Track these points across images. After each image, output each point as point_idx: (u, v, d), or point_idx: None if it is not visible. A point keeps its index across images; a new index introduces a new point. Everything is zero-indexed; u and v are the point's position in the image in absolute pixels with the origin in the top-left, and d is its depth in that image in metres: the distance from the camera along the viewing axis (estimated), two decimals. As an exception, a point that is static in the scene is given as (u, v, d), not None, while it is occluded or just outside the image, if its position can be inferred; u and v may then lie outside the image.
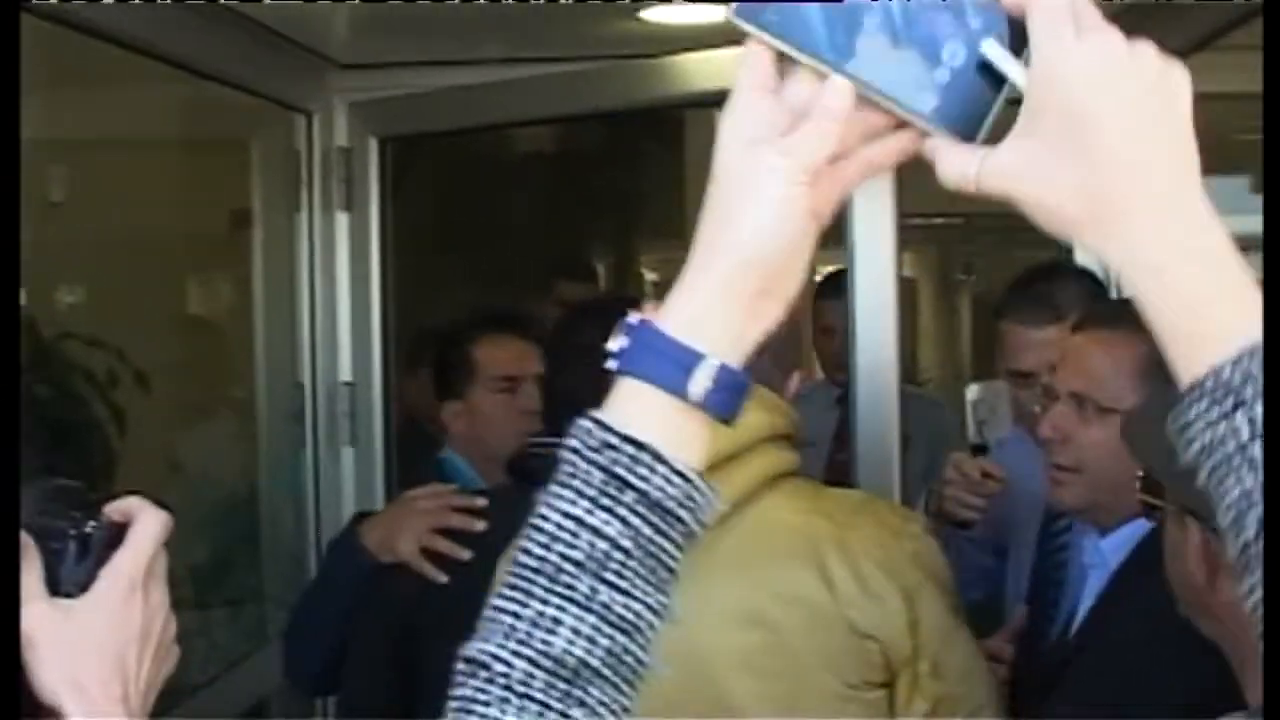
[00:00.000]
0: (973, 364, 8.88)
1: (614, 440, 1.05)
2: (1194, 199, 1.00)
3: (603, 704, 1.04)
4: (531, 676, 1.03)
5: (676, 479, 1.05)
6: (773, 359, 2.18)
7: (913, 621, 2.09)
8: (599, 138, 6.31)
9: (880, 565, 2.09)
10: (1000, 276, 7.88)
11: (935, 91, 1.03)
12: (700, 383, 1.05)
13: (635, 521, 1.05)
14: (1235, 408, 0.96)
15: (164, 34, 3.02)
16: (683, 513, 1.06)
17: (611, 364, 1.07)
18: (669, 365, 1.06)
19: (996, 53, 1.02)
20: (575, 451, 1.05)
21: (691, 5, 3.40)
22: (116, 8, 2.77)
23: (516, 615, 1.04)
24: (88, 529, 1.20)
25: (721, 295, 1.06)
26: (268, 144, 3.90)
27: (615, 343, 1.07)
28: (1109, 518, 2.30)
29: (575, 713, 1.03)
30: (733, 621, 2.06)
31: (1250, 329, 0.97)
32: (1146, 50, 1.00)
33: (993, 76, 1.03)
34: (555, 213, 6.28)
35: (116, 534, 1.21)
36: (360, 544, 2.82)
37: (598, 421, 1.06)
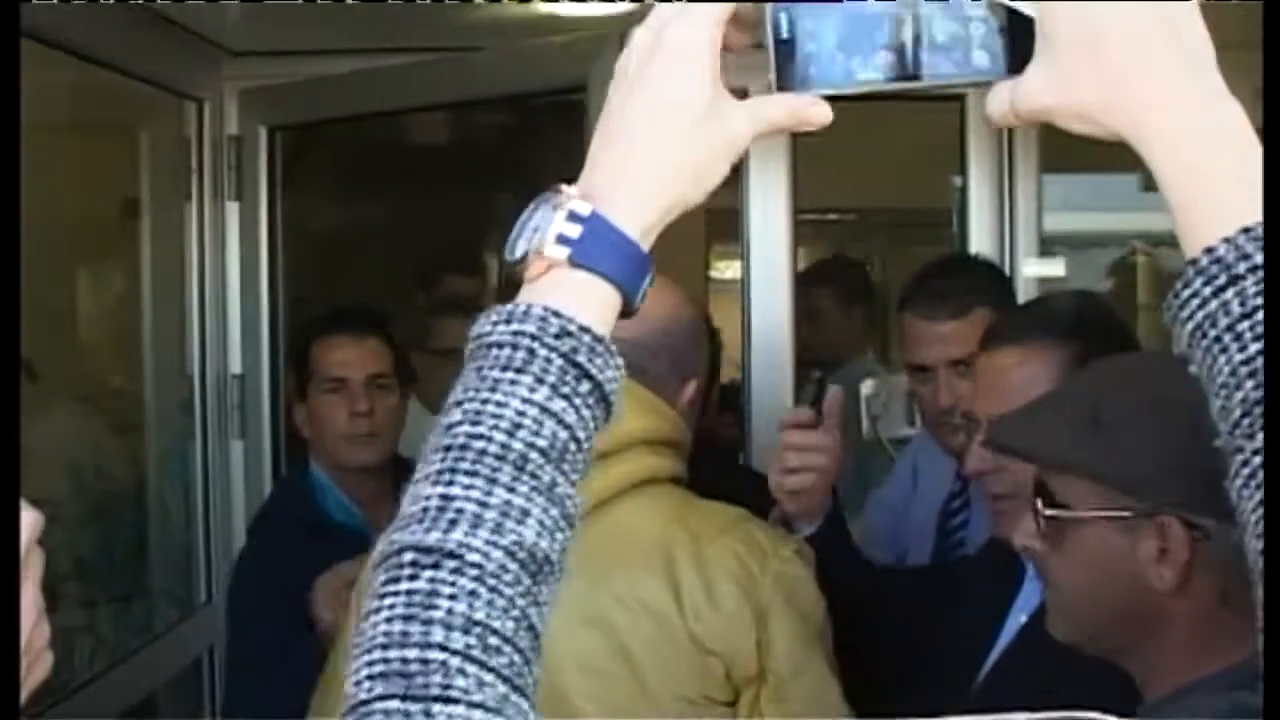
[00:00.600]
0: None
1: (573, 329, 1.02)
2: (1209, 88, 1.02)
3: (546, 604, 1.01)
4: (504, 569, 0.98)
5: (618, 374, 1.04)
6: (670, 363, 2.18)
7: (761, 642, 2.05)
8: (498, 125, 6.27)
9: (736, 582, 2.05)
10: (895, 272, 7.93)
11: (977, 50, 1.08)
12: (645, 282, 1.06)
13: (586, 414, 1.02)
14: (1228, 284, 0.98)
15: (53, 19, 2.98)
16: (614, 413, 1.05)
17: (558, 250, 1.04)
18: (622, 260, 1.05)
19: None
20: (533, 338, 1.02)
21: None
22: (3, -9, 2.72)
23: (483, 504, 0.99)
24: None
25: (640, 182, 1.06)
26: (158, 132, 3.85)
27: (561, 228, 1.04)
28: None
29: (532, 611, 0.99)
30: (575, 621, 2.00)
31: (1255, 213, 0.98)
32: None
33: (1009, 13, 1.07)
34: (451, 204, 6.24)
35: None
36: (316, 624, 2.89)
37: (554, 311, 1.03)
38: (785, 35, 1.08)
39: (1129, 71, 1.02)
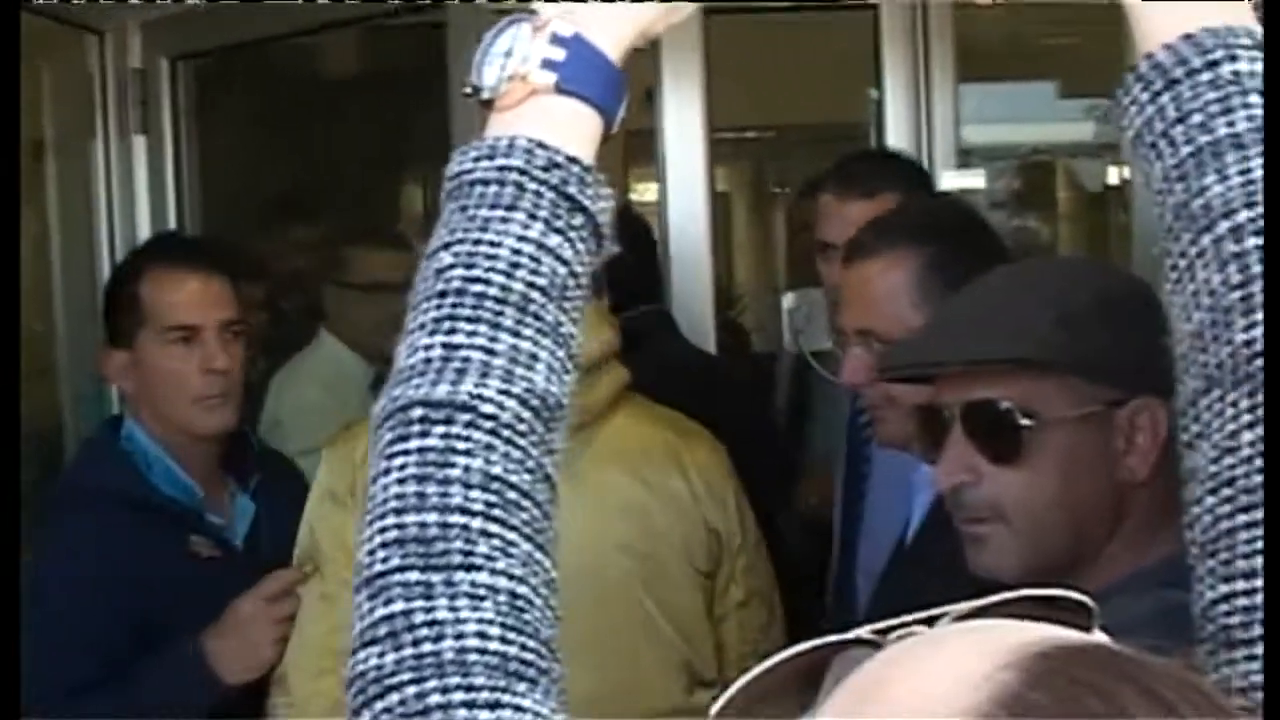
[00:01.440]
0: (787, 277, 8.97)
1: (560, 160, 0.97)
2: None
3: (558, 451, 0.97)
4: (519, 419, 0.93)
5: (609, 204, 1.00)
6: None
7: (741, 521, 2.47)
8: (407, 55, 6.18)
9: (715, 470, 2.45)
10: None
11: None
12: (622, 106, 1.01)
13: (581, 247, 0.98)
14: (1164, 89, 0.98)
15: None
16: (606, 244, 1.00)
17: (544, 76, 0.99)
18: (607, 85, 1.00)
19: None
20: (522, 172, 0.97)
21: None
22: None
23: (489, 351, 0.94)
24: None
25: (618, 4, 1.02)
26: (59, 67, 3.79)
27: (544, 51, 0.99)
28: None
29: (546, 461, 0.95)
30: (614, 509, 2.33)
31: (1199, 23, 0.98)
32: None
33: None
34: (363, 131, 6.17)
35: None
36: (212, 673, 2.46)
37: (539, 143, 0.98)
38: None
39: None
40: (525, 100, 0.99)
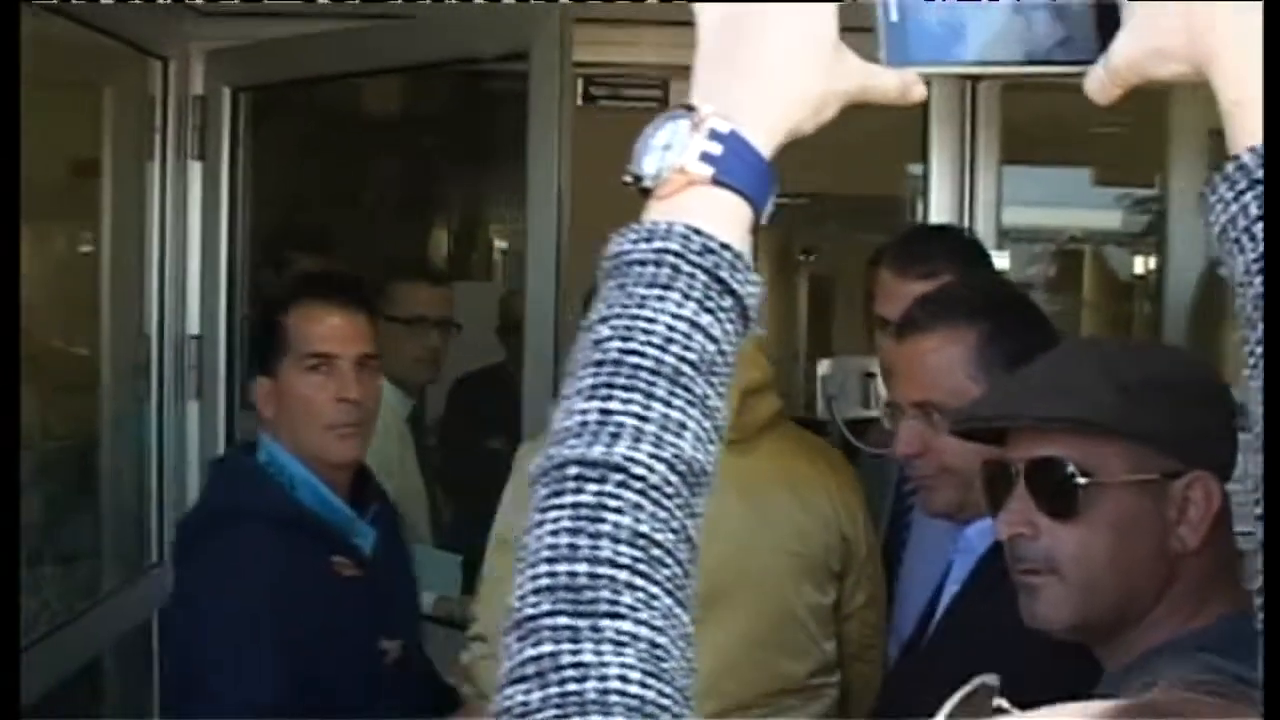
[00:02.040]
0: (809, 344, 9.02)
1: (714, 246, 1.04)
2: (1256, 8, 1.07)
3: (700, 515, 1.03)
4: (666, 482, 1.00)
5: (757, 289, 1.06)
6: None
7: (866, 533, 2.82)
8: (460, 91, 6.25)
9: (850, 489, 2.82)
10: (843, 261, 7.99)
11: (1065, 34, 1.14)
12: (771, 199, 1.08)
13: (729, 328, 1.05)
14: (1248, 188, 1.04)
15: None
16: (752, 326, 1.07)
17: (701, 168, 1.06)
18: (758, 180, 1.07)
19: None
20: (678, 255, 1.04)
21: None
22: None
23: (642, 418, 1.01)
24: None
25: (774, 106, 1.08)
26: (121, 89, 3.86)
27: (702, 146, 1.06)
28: (975, 510, 2.31)
29: (689, 523, 1.01)
30: (776, 519, 2.72)
31: None
32: None
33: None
34: (407, 171, 6.23)
35: None
36: None
37: (695, 229, 1.05)
38: (894, 18, 1.13)
39: (1195, 5, 1.07)
40: (683, 190, 1.06)
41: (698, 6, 1.12)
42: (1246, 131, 1.07)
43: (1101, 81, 1.11)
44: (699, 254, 1.04)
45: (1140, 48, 1.10)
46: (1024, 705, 0.91)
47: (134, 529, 3.88)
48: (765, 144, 1.08)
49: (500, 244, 7.63)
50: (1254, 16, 1.09)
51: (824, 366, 3.60)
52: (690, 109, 1.08)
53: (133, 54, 3.76)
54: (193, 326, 3.89)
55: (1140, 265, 6.61)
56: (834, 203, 7.83)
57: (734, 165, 1.06)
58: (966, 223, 3.95)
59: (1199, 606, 1.64)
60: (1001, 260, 4.04)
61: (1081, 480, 1.66)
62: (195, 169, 3.87)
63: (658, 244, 1.04)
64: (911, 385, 2.31)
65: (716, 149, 1.06)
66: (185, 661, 2.68)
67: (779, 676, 2.74)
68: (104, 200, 3.84)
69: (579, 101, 4.07)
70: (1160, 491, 1.66)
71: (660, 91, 4.20)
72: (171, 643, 3.09)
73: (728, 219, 1.06)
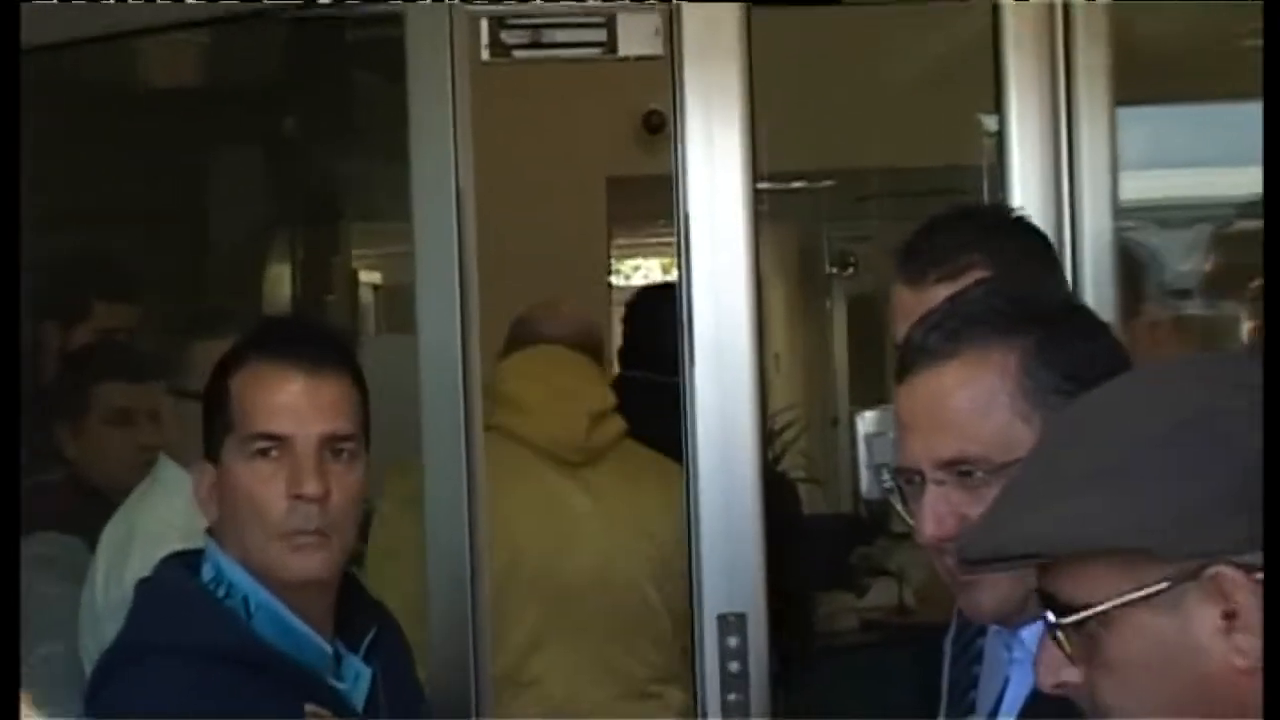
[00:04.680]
0: (851, 392, 8.96)
1: None
2: None
3: None
4: None
5: None
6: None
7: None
8: (277, 61, 6.22)
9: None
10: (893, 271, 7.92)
11: None
12: None
13: None
14: None
15: None
16: None
17: None
18: None
19: None
20: None
21: None
22: None
23: None
24: None
25: None
26: None
27: None
28: (1029, 609, 2.21)
29: None
30: (630, 521, 4.46)
31: None
32: None
33: None
34: (227, 172, 6.22)
35: None
36: None
37: None
38: None
39: None
40: None
41: None
42: None
43: None
44: None
45: None
46: None
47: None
48: None
49: (368, 277, 7.44)
50: None
51: (866, 422, 3.62)
52: None
53: None
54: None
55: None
56: (876, 181, 7.77)
57: None
58: (1067, 196, 3.95)
59: None
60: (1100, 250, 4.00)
61: (1067, 620, 1.76)
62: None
63: None
64: (933, 438, 2.25)
65: None
66: None
67: (633, 677, 4.34)
68: None
69: (484, 55, 4.02)
70: (1178, 599, 1.70)
71: (605, 34, 4.10)
72: None
73: None
